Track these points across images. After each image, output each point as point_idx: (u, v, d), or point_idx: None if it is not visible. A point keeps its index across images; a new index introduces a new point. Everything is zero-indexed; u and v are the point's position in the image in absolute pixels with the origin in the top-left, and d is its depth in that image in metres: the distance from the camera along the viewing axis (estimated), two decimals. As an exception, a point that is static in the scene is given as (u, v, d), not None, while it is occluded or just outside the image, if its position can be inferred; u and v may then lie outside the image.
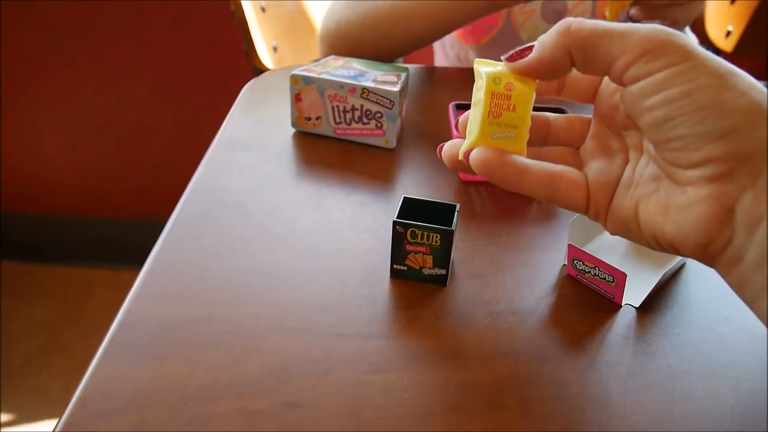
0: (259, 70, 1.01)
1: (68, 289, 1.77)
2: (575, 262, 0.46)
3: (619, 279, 0.43)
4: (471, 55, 0.91)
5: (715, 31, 1.23)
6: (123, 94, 1.62)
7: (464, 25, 0.75)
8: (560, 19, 0.82)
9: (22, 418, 1.42)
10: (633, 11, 0.73)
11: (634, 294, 0.45)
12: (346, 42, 0.77)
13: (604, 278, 0.44)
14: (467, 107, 0.61)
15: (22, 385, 1.50)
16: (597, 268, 0.44)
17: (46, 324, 1.66)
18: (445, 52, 0.97)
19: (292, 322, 0.42)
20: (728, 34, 1.23)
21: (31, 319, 1.68)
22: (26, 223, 1.83)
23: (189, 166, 0.62)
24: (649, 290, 0.44)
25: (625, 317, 0.44)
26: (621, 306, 0.45)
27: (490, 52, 0.88)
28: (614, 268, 0.43)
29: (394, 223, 0.44)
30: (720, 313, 0.45)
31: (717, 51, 1.26)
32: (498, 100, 0.34)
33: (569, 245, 0.46)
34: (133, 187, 1.77)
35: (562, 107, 0.60)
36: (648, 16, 0.71)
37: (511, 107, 0.34)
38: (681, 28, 0.77)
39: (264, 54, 0.99)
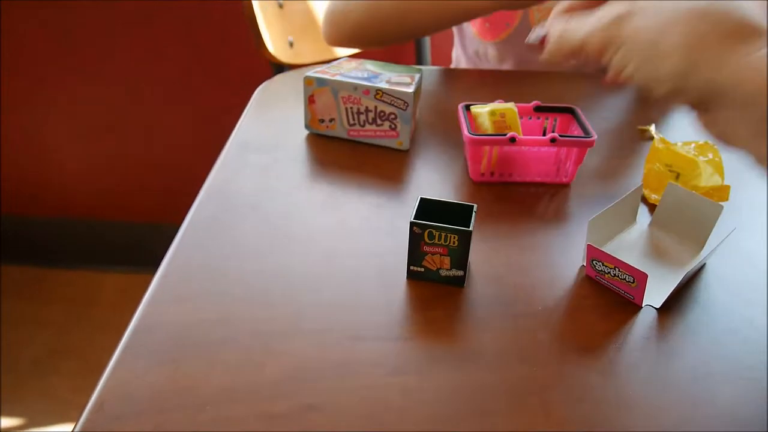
0: (275, 65, 1.01)
1: (76, 292, 1.77)
2: (594, 262, 0.45)
3: (639, 279, 0.43)
4: (489, 50, 0.90)
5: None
6: (131, 95, 1.62)
7: (468, 20, 0.76)
8: None
9: (30, 421, 1.42)
10: None
11: (655, 295, 0.45)
12: (354, 32, 0.77)
13: (624, 279, 0.44)
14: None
15: (31, 387, 1.50)
16: (617, 269, 0.44)
17: (54, 327, 1.67)
18: (464, 47, 0.96)
19: (309, 324, 0.42)
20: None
21: (39, 322, 1.68)
22: (33, 227, 1.84)
23: (200, 167, 0.62)
24: (670, 291, 0.44)
25: (646, 318, 0.44)
26: (641, 307, 0.44)
27: (507, 47, 0.88)
28: (635, 268, 0.43)
29: (412, 224, 0.43)
30: (743, 315, 0.44)
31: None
32: None
33: (588, 246, 0.45)
34: (142, 189, 1.77)
35: (572, 107, 0.60)
36: None
37: None
38: None
39: (279, 48, 0.99)
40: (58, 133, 1.70)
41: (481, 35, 0.90)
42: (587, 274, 0.47)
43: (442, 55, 1.11)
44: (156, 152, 1.72)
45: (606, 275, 0.45)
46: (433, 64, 1.20)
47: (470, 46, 0.94)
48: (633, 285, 0.44)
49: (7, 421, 1.43)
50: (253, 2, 0.95)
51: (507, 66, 0.90)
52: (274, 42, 0.99)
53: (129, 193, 1.80)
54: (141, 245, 1.82)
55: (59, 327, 1.68)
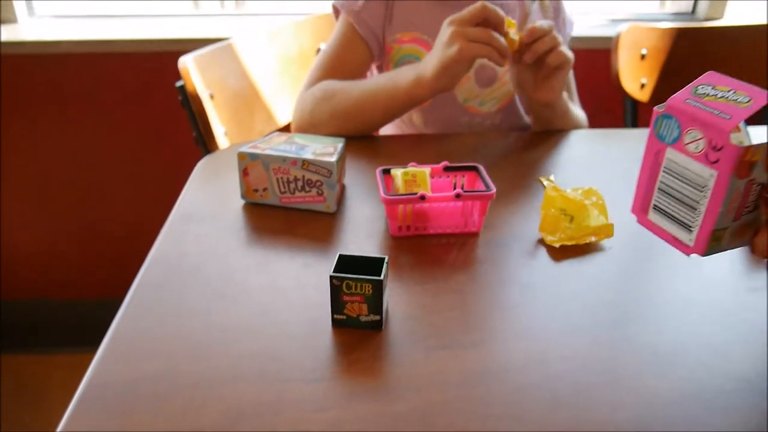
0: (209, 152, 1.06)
1: (26, 377, 1.75)
2: (698, 87, 0.41)
3: (757, 101, 0.39)
4: (414, 116, 0.99)
5: (630, 84, 1.35)
6: (83, 171, 1.66)
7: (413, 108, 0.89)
8: (491, 83, 0.94)
9: None
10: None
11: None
12: (319, 129, 0.89)
13: (736, 99, 0.39)
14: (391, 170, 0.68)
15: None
16: (732, 90, 0.40)
17: (4, 412, 1.64)
18: None
19: (245, 371, 0.47)
20: (642, 86, 1.36)
21: (-8, 409, 1.65)
22: (-15, 312, 1.82)
23: (149, 244, 0.67)
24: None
25: (541, 345, 0.50)
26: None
27: (431, 113, 0.97)
28: (755, 88, 0.39)
29: (331, 277, 0.50)
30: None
31: (635, 102, 1.38)
32: None
33: (711, 72, 0.41)
34: (93, 265, 1.79)
35: (476, 165, 0.68)
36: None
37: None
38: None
39: (217, 139, 1.04)
40: (7, 216, 1.71)
41: None
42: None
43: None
44: (107, 230, 1.75)
45: (706, 98, 0.40)
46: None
47: None
48: (746, 104, 0.39)
49: None
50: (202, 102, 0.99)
51: (430, 130, 0.99)
52: (213, 133, 1.03)
53: (80, 271, 1.81)
54: (92, 323, 1.82)
55: (8, 412, 1.65)
